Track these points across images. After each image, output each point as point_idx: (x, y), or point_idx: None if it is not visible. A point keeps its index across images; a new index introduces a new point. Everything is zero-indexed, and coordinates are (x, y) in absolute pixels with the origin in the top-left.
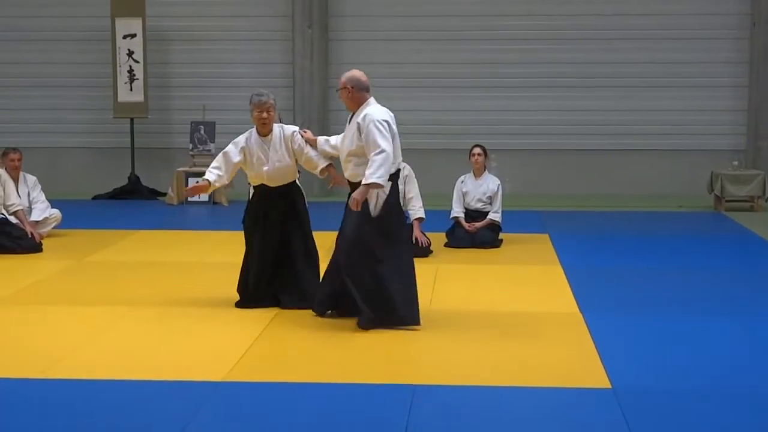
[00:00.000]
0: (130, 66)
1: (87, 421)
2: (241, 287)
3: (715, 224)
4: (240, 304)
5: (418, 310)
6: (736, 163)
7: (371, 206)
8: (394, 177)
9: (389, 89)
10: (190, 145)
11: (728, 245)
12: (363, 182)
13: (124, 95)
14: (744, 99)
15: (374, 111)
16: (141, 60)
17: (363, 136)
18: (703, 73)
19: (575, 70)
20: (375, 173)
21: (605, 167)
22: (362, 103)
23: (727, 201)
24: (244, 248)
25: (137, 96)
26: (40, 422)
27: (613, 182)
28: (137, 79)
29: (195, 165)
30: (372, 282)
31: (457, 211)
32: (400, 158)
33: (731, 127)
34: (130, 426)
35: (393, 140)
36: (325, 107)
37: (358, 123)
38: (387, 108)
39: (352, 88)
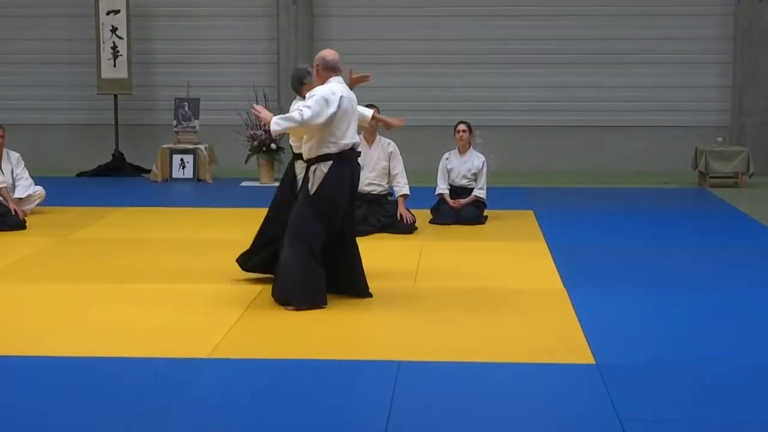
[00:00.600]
0: (114, 42)
1: (70, 399)
2: None
3: (699, 200)
4: None
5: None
6: (720, 139)
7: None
8: (341, 156)
9: (373, 66)
10: (175, 122)
11: (712, 221)
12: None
13: (108, 72)
14: (729, 76)
15: (322, 87)
16: (125, 36)
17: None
18: (688, 50)
19: (561, 47)
20: (280, 116)
21: (590, 144)
22: (325, 82)
23: (711, 177)
24: (228, 225)
25: (121, 72)
26: (21, 400)
27: (598, 159)
28: (121, 55)
29: (179, 142)
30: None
31: (442, 188)
32: (352, 139)
33: (716, 103)
34: (113, 403)
35: (342, 117)
36: None
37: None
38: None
39: (317, 66)
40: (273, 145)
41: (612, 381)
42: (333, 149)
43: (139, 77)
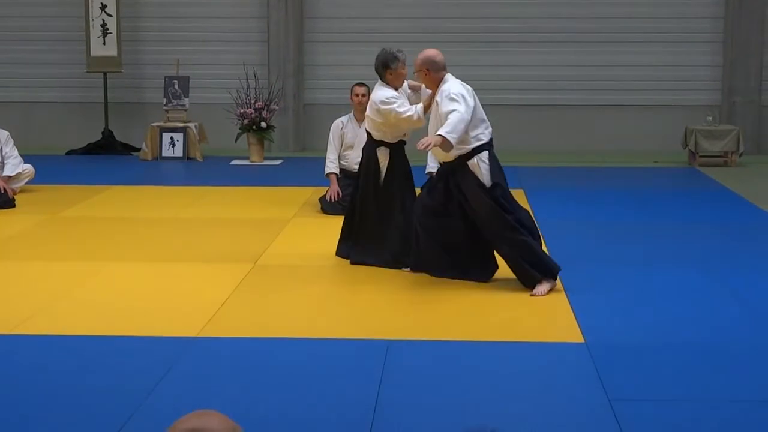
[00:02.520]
0: (103, 20)
1: (59, 377)
2: None
3: (689, 179)
4: None
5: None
6: (710, 118)
7: (482, 178)
8: (488, 146)
9: (365, 44)
10: (164, 100)
11: (702, 200)
12: (437, 134)
13: (97, 49)
14: (719, 54)
15: (449, 86)
16: (114, 14)
17: (439, 109)
18: (678, 29)
19: (551, 26)
20: (446, 127)
21: (581, 122)
22: (440, 82)
23: (701, 156)
24: (218, 204)
25: (110, 50)
26: (9, 378)
27: (588, 137)
28: (110, 33)
29: (169, 120)
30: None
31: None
32: (489, 128)
33: (706, 82)
34: (102, 382)
35: (474, 110)
36: (300, 61)
37: (437, 101)
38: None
39: (428, 70)
40: (263, 124)
41: (601, 360)
42: (484, 138)
43: (129, 55)
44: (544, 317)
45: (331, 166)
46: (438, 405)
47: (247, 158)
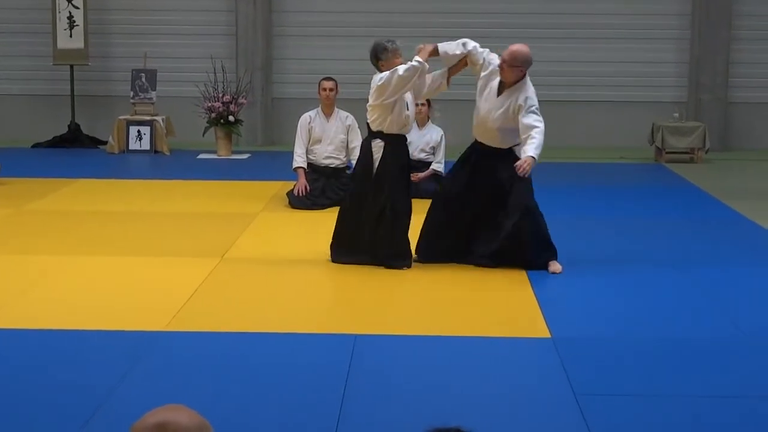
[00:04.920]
0: (70, 12)
1: (23, 372)
2: None
3: (655, 176)
4: None
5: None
6: (676, 115)
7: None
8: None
9: (335, 38)
10: (131, 93)
11: (668, 196)
12: (528, 155)
13: (64, 42)
14: (686, 51)
15: (532, 93)
16: (81, 6)
17: (521, 116)
18: (645, 25)
19: (517, 21)
20: (535, 148)
21: (548, 118)
22: (522, 78)
23: (667, 153)
24: (185, 197)
25: (77, 42)
26: None
27: (555, 133)
28: (77, 25)
29: (136, 113)
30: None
31: None
32: None
33: (673, 79)
34: (67, 376)
35: None
36: (268, 55)
37: (520, 105)
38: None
39: (522, 68)
40: (231, 118)
41: (567, 355)
42: None
43: (96, 48)
44: (510, 312)
45: (299, 161)
46: (404, 399)
47: (214, 152)
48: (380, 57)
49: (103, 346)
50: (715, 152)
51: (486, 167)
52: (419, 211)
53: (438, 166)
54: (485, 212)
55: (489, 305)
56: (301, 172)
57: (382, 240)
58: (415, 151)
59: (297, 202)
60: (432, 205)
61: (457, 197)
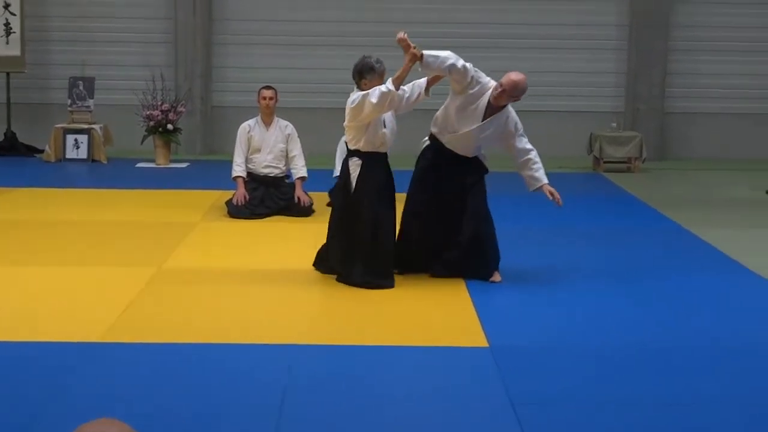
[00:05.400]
0: (7, 19)
1: None
2: None
3: (593, 185)
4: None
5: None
6: (614, 125)
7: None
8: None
9: (277, 46)
10: (69, 101)
11: (606, 205)
12: (545, 182)
13: (0, 49)
14: (624, 62)
15: (517, 117)
16: (18, 13)
17: (515, 141)
18: (584, 36)
19: (460, 31)
20: (541, 171)
21: None
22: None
23: (605, 162)
24: (123, 207)
25: (14, 50)
26: None
27: None
28: (14, 32)
29: (74, 121)
30: None
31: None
32: None
33: (611, 89)
34: (1, 388)
35: None
36: (208, 63)
37: (511, 130)
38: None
39: (514, 95)
40: (169, 126)
41: (504, 363)
42: None
43: (33, 55)
44: (448, 322)
45: (238, 170)
46: (342, 409)
47: (153, 161)
48: (365, 76)
49: (37, 357)
50: (652, 161)
51: (454, 173)
52: None
53: None
54: (450, 217)
55: (427, 315)
56: (240, 182)
57: (364, 260)
58: None
59: (236, 211)
60: (403, 217)
61: (427, 204)
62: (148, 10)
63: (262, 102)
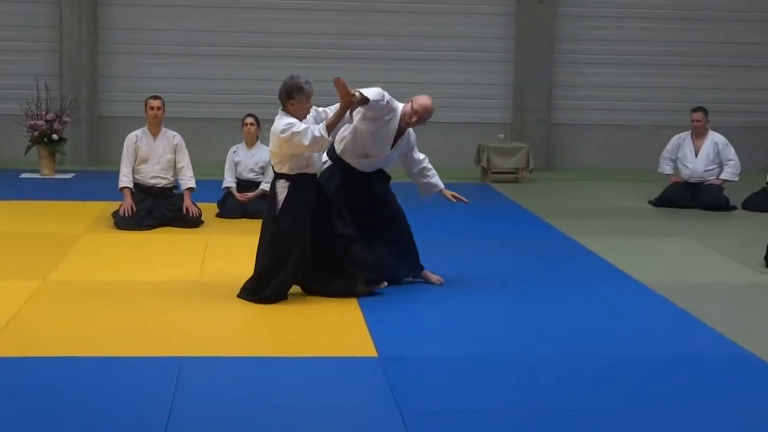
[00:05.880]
0: None
1: None
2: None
3: (481, 195)
4: None
5: None
6: (501, 136)
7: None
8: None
9: (160, 56)
10: None
11: (494, 215)
12: (442, 187)
13: None
14: (511, 74)
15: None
16: None
17: (413, 153)
18: (472, 48)
19: (350, 42)
20: (437, 177)
21: None
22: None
23: (493, 173)
24: (5, 218)
25: None
26: None
27: None
28: None
29: None
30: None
31: (229, 181)
32: None
33: (499, 101)
34: None
35: None
36: (94, 72)
37: (413, 145)
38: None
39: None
40: (54, 136)
41: (393, 373)
42: None
43: None
44: (337, 332)
45: (125, 180)
46: (230, 422)
47: (37, 171)
48: (293, 96)
49: None
50: (539, 172)
51: (364, 187)
52: (252, 231)
53: (267, 186)
54: (372, 227)
55: (316, 325)
56: (127, 192)
57: (329, 272)
58: (245, 171)
59: (123, 222)
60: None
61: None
62: (32, 18)
63: (150, 112)
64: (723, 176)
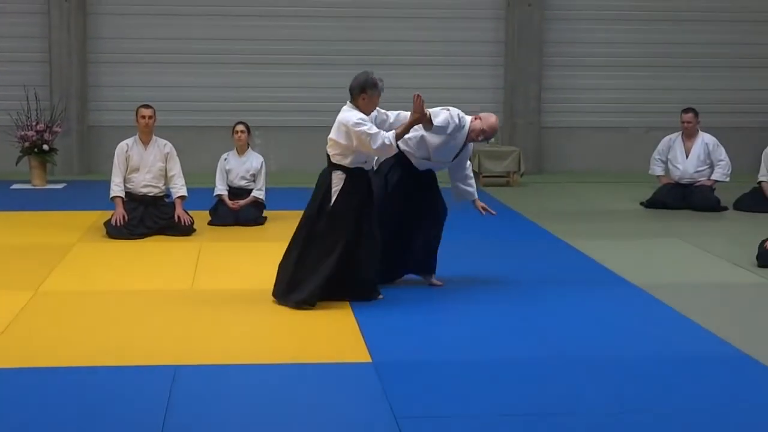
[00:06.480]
0: None
1: None
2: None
3: None
4: None
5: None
6: (493, 140)
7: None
8: None
9: (149, 65)
10: None
11: (485, 220)
12: (475, 198)
13: None
14: (501, 77)
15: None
16: None
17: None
18: (462, 52)
19: (341, 48)
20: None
21: None
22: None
23: (484, 177)
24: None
25: None
26: None
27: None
28: None
29: None
30: None
31: (221, 189)
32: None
33: (489, 104)
34: None
35: None
36: (84, 82)
37: (469, 155)
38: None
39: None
40: (45, 147)
41: (387, 378)
42: None
43: None
44: (331, 338)
45: (117, 190)
46: (225, 430)
47: (29, 182)
48: (366, 90)
49: None
50: (530, 175)
51: (419, 184)
52: (244, 239)
53: (259, 193)
54: (412, 223)
55: (310, 332)
56: (118, 202)
57: (350, 274)
58: (236, 179)
59: (115, 231)
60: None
61: (394, 216)
62: (21, 29)
63: (141, 121)
64: (714, 177)
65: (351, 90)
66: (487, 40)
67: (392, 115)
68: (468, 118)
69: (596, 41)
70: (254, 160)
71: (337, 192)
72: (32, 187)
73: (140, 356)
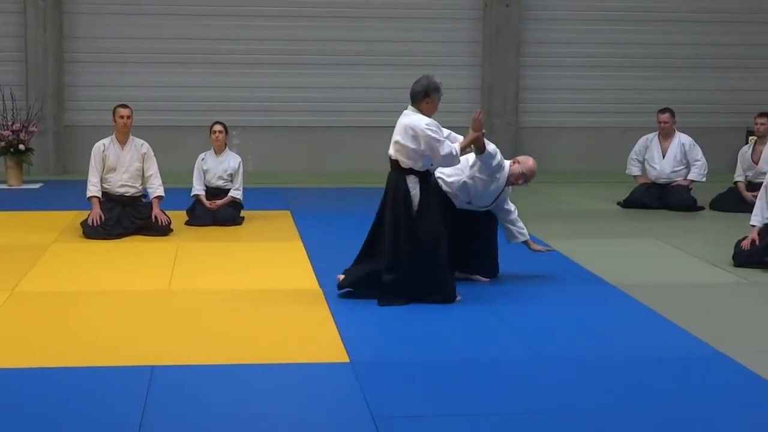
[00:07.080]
0: None
1: None
2: None
3: None
4: None
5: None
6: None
7: None
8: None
9: (125, 64)
10: None
11: None
12: (528, 240)
13: None
14: (478, 77)
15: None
16: None
17: (505, 200)
18: (439, 52)
19: (320, 48)
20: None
21: (347, 144)
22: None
23: None
24: None
25: None
26: None
27: (353, 159)
28: None
29: None
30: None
31: (198, 189)
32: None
33: (467, 104)
34: None
35: None
36: (60, 81)
37: (506, 197)
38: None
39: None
40: (21, 146)
41: (365, 378)
42: None
43: None
44: (309, 338)
45: (93, 190)
46: (202, 430)
47: (4, 182)
48: (430, 94)
49: None
50: None
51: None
52: (222, 239)
53: (236, 193)
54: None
55: (288, 332)
56: (95, 201)
57: (427, 279)
58: (213, 178)
59: (91, 231)
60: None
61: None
62: None
63: (119, 120)
64: (690, 177)
65: (414, 94)
66: (465, 41)
67: (434, 124)
68: (507, 162)
69: (574, 42)
70: (232, 160)
71: (417, 195)
72: (8, 187)
73: (117, 356)
